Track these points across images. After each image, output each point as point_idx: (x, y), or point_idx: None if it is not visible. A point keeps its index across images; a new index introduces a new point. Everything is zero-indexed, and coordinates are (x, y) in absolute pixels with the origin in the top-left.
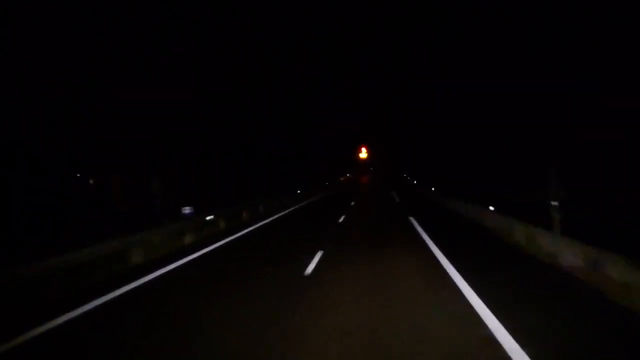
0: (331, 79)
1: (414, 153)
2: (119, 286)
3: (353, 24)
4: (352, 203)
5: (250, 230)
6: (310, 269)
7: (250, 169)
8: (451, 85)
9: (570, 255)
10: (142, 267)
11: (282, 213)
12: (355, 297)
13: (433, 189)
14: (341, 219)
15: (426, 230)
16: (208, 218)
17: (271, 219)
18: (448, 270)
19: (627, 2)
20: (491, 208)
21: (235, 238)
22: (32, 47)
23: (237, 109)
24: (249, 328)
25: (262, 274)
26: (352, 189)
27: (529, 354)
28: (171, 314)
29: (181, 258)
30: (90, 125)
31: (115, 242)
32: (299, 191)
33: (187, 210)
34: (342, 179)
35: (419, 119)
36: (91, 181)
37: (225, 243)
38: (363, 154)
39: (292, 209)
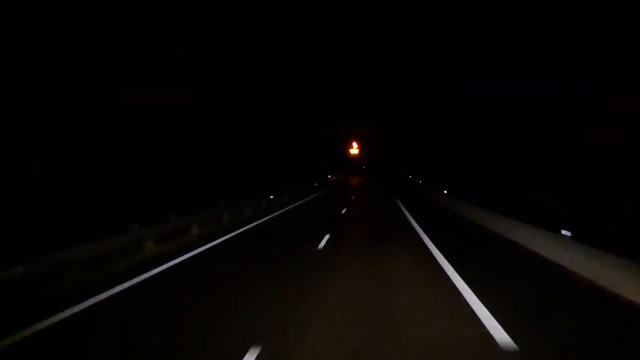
0: (331, 79)
1: (414, 153)
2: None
3: (353, 24)
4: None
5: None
6: None
7: (243, 172)
8: (451, 85)
9: None
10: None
11: None
12: None
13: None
14: None
15: None
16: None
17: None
18: None
19: (627, 2)
20: None
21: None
22: (32, 47)
23: (237, 109)
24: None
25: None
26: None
27: None
28: None
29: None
30: (90, 125)
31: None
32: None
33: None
34: (315, 184)
35: (419, 119)
36: None
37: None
38: (354, 149)
39: None
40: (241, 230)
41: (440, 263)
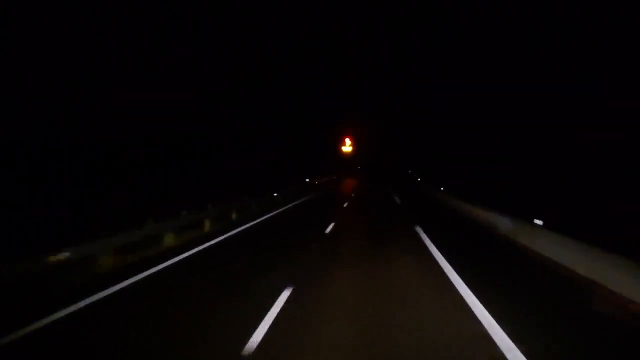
0: (331, 79)
1: (414, 153)
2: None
3: (353, 24)
4: None
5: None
6: None
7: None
8: (451, 85)
9: None
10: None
11: None
12: None
13: None
14: None
15: None
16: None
17: None
18: None
19: (627, 2)
20: None
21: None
22: (32, 47)
23: (237, 109)
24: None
25: None
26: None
27: None
28: None
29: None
30: (90, 125)
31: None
32: None
33: None
34: (275, 194)
35: (419, 119)
36: None
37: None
38: (347, 147)
39: None
40: None
41: None
